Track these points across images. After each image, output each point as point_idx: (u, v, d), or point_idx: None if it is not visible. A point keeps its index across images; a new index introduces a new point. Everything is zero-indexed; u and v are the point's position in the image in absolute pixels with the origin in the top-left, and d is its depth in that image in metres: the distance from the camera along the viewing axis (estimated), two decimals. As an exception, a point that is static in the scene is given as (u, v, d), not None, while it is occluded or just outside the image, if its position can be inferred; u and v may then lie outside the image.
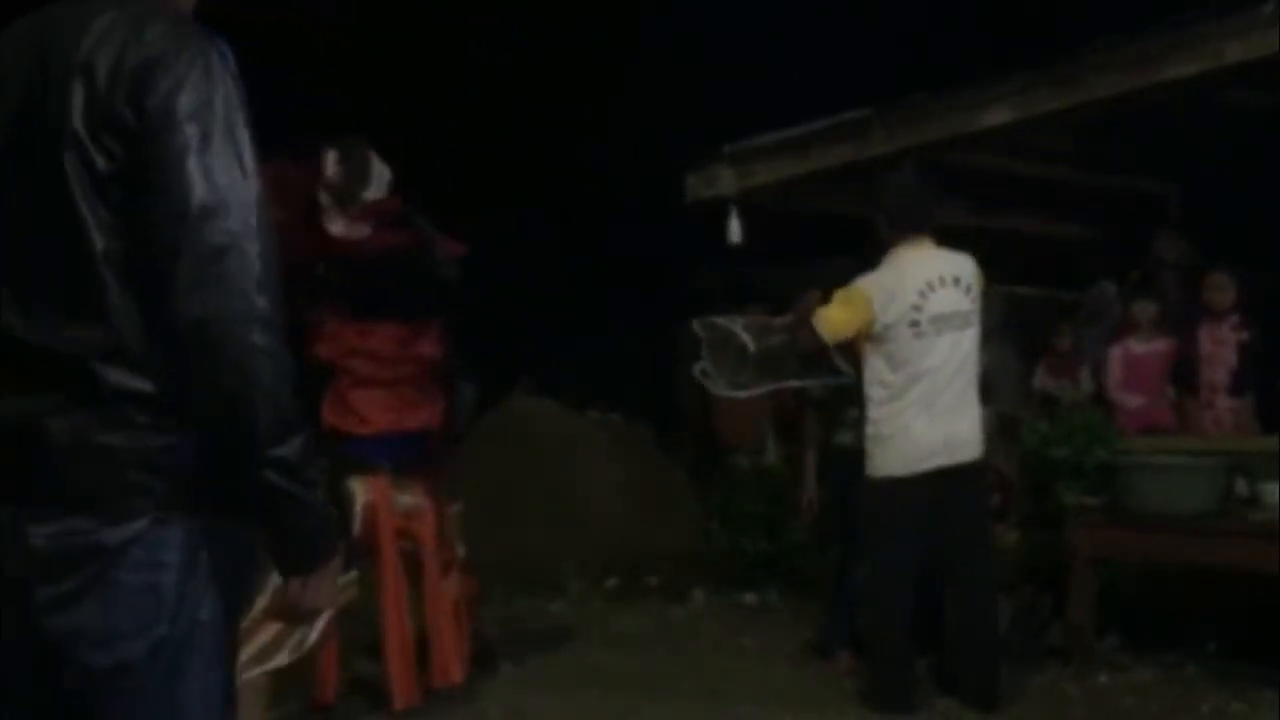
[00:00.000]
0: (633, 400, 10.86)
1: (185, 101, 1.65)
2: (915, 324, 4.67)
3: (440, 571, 4.67)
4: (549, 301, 12.64)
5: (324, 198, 4.42)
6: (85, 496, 1.66)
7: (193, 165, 1.64)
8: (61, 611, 1.67)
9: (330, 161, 4.44)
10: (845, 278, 4.88)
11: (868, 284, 4.78)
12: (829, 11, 12.59)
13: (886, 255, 4.84)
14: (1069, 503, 5.46)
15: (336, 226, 4.44)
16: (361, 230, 4.47)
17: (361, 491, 4.43)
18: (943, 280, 4.74)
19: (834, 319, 4.80)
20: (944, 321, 4.69)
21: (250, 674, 4.12)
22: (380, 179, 4.53)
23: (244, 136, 1.70)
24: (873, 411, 4.75)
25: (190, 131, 1.65)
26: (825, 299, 4.91)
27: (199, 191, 1.64)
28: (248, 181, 1.69)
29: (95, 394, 1.66)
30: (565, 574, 7.47)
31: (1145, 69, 6.05)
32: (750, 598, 7.02)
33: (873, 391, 4.75)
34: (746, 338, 5.06)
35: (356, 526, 4.39)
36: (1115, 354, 7.07)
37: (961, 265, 4.82)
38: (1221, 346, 6.53)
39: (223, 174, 1.66)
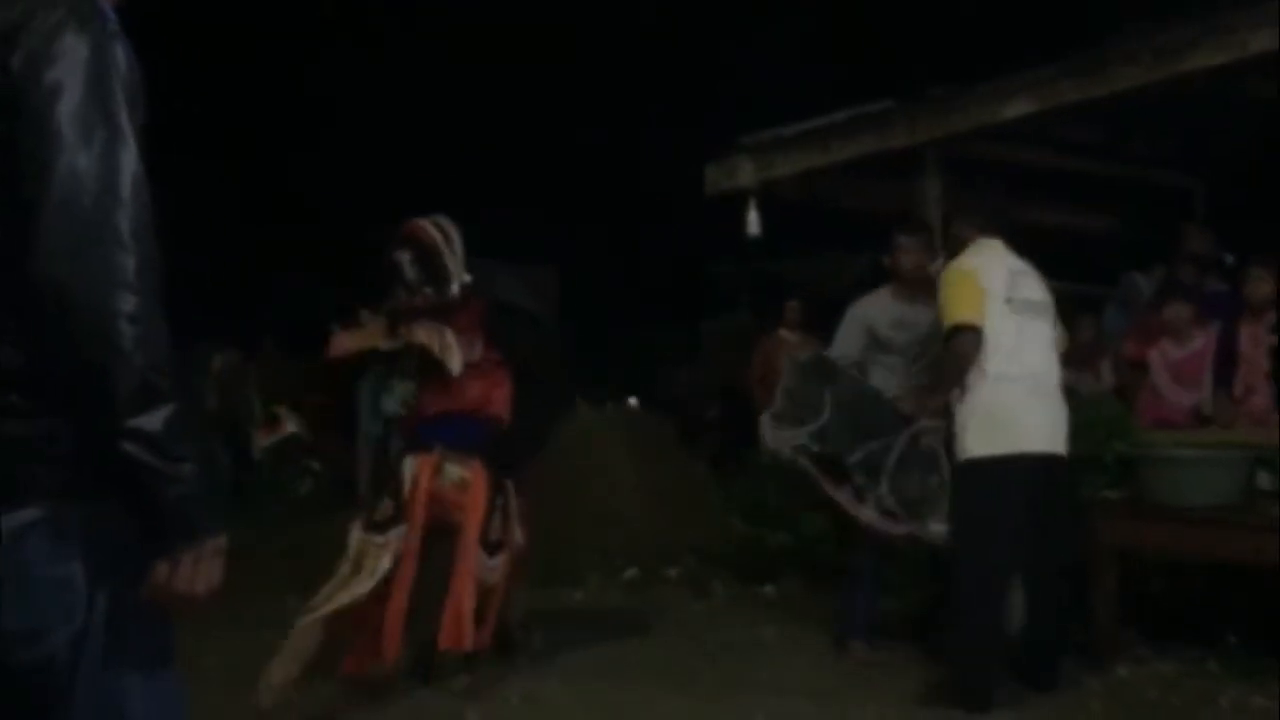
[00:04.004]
0: (653, 392, 10.88)
1: (50, 57, 1.60)
2: (1010, 301, 4.77)
3: (477, 542, 4.81)
4: (569, 295, 12.68)
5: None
6: None
7: (56, 121, 1.58)
8: None
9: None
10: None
11: (963, 265, 4.85)
12: (851, 3, 12.58)
13: (968, 248, 4.95)
14: (1089, 496, 5.44)
15: None
16: None
17: (411, 467, 4.84)
18: (1025, 271, 4.92)
19: (962, 302, 4.69)
20: (1030, 307, 4.82)
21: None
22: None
23: (118, 96, 1.64)
24: (971, 393, 4.70)
25: (54, 87, 1.59)
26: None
27: (60, 148, 1.57)
28: (118, 141, 1.62)
29: None
30: (585, 565, 7.49)
31: (1169, 60, 6.00)
32: (770, 590, 7.02)
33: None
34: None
35: (405, 495, 4.78)
36: (1154, 359, 6.92)
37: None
38: (1259, 349, 6.38)
39: (89, 131, 1.59)
